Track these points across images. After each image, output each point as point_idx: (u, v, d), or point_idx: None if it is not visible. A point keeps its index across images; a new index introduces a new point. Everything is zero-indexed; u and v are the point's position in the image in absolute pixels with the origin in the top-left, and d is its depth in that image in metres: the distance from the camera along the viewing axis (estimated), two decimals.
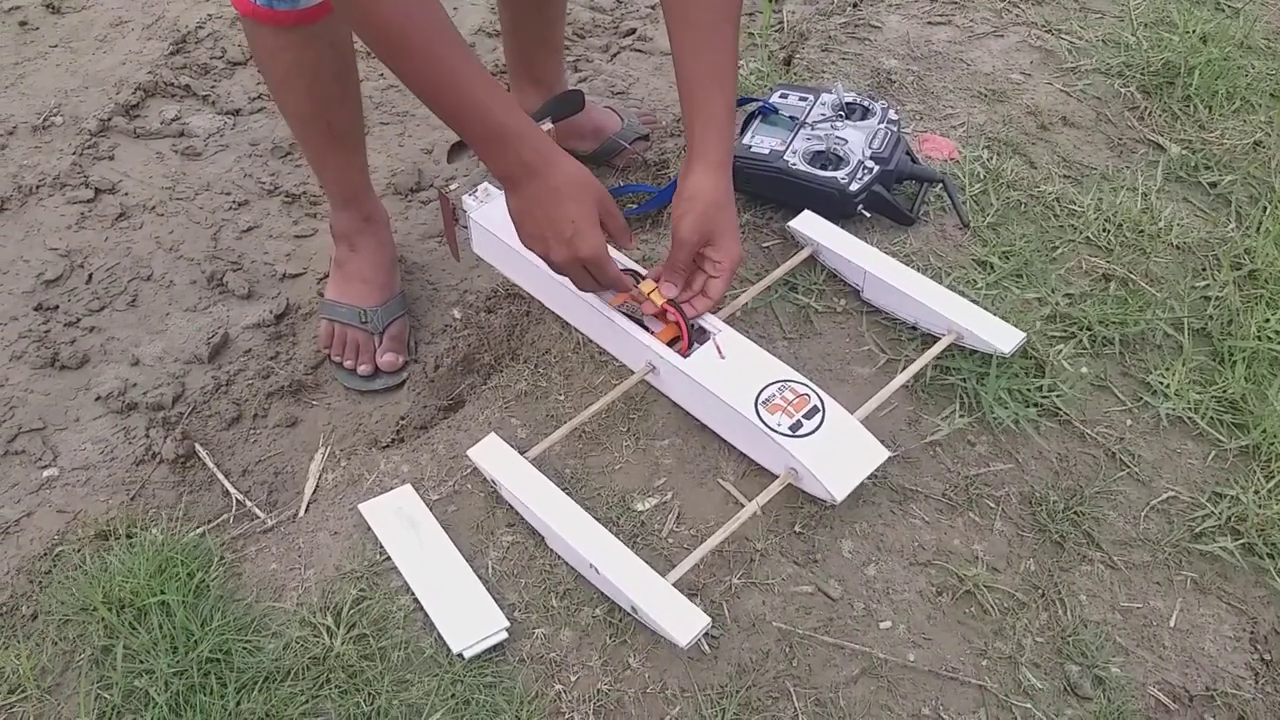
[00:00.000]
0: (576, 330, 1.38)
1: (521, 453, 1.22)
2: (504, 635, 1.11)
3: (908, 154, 1.54)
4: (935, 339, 1.34)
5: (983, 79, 1.82)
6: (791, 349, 1.37)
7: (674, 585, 1.10)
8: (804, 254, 1.44)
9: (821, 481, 1.17)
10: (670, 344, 1.28)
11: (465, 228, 1.44)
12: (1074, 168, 1.68)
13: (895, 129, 1.52)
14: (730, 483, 1.25)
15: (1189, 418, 1.36)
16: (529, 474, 1.19)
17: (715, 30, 1.23)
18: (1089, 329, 1.42)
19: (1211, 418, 1.36)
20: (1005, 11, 1.98)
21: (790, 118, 1.54)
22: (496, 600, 1.13)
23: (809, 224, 1.45)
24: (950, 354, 1.35)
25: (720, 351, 1.26)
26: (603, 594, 1.15)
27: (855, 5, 2.02)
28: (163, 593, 1.12)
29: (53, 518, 1.42)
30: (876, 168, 1.47)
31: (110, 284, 1.74)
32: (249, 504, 1.43)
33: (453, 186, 1.44)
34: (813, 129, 1.52)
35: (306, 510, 1.27)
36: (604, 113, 1.85)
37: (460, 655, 1.09)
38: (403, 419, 1.49)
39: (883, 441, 1.21)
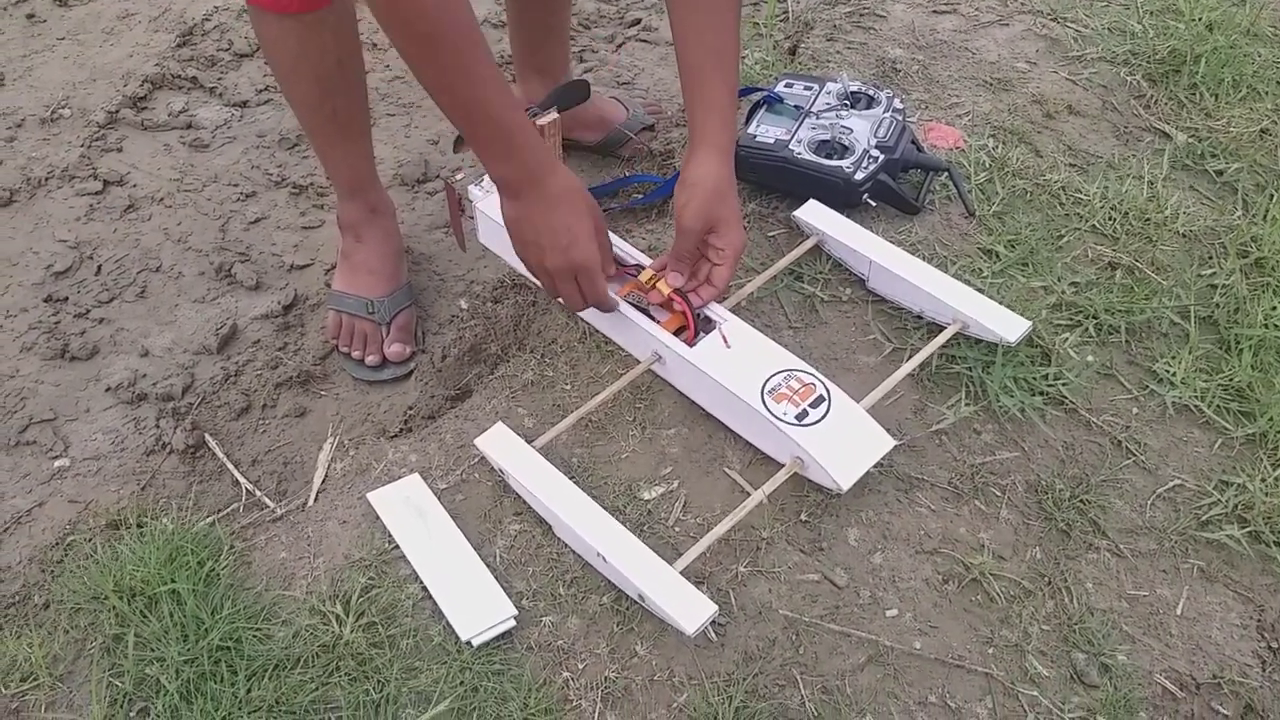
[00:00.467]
0: (582, 320, 1.39)
1: (529, 442, 1.22)
2: (512, 623, 1.11)
3: (913, 143, 1.54)
4: (941, 328, 1.35)
5: (988, 68, 1.82)
6: (797, 338, 1.37)
7: (681, 573, 1.10)
8: (809, 243, 1.44)
9: (827, 470, 1.18)
10: (676, 333, 1.29)
11: (471, 218, 1.45)
12: (1080, 156, 1.68)
13: (900, 118, 1.52)
14: (736, 471, 1.25)
15: (1195, 406, 1.36)
16: (536, 463, 1.19)
17: (717, 15, 1.23)
18: (1095, 317, 1.42)
19: (1218, 406, 1.36)
20: (1011, 0, 1.98)
21: (795, 107, 1.55)
22: (504, 588, 1.14)
23: (814, 213, 1.45)
24: (956, 343, 1.35)
25: (726, 341, 1.26)
26: (610, 582, 1.16)
27: None
28: (173, 581, 1.12)
29: (64, 508, 1.43)
30: (881, 157, 1.47)
31: (119, 275, 1.74)
32: (258, 493, 1.44)
33: (458, 177, 1.44)
34: (818, 118, 1.52)
35: (315, 499, 1.28)
36: (609, 103, 1.85)
37: (468, 643, 1.10)
38: (410, 409, 1.50)
39: (889, 430, 1.21)
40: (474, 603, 1.12)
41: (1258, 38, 1.90)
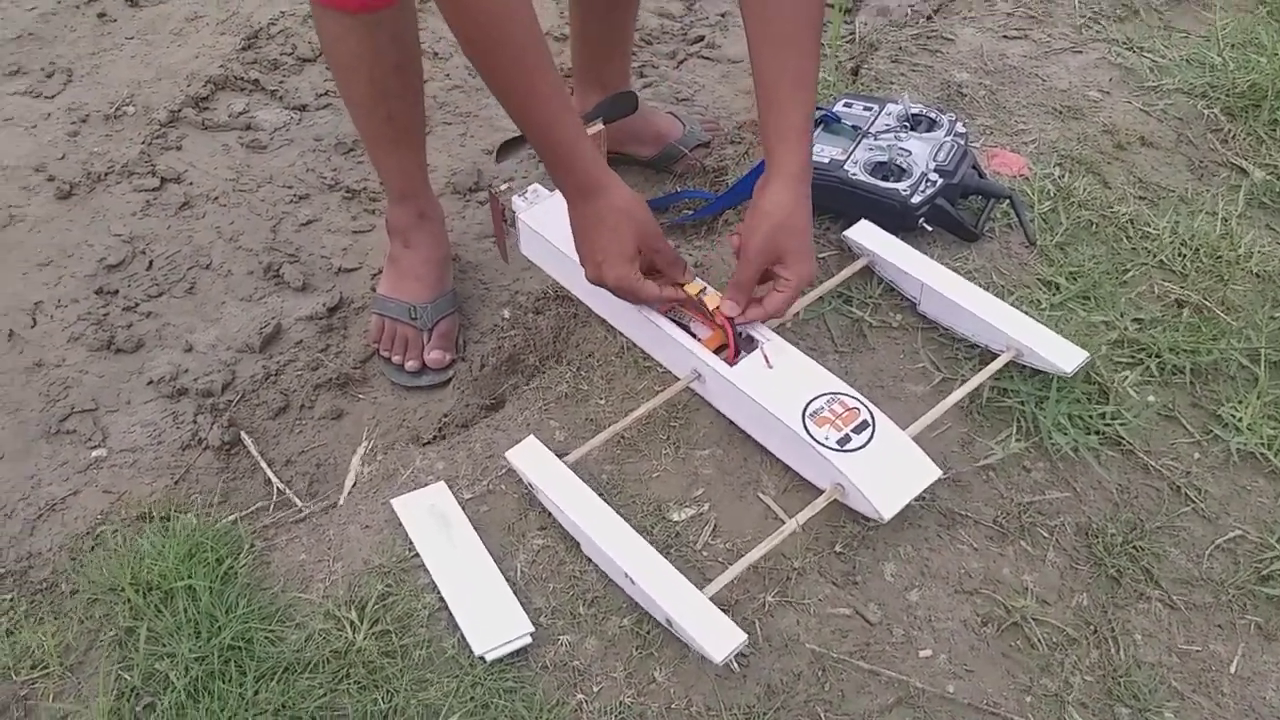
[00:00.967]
0: (621, 335, 1.35)
1: (559, 456, 1.19)
2: (528, 640, 1.08)
3: (974, 168, 1.49)
4: (994, 357, 1.29)
5: (1058, 95, 1.76)
6: (843, 363, 1.33)
7: (710, 600, 1.06)
8: (859, 264, 1.40)
9: (868, 498, 1.13)
10: (717, 351, 1.25)
11: (514, 229, 1.42)
12: (1150, 189, 1.61)
13: (962, 142, 1.48)
14: (770, 497, 1.21)
15: (1261, 454, 1.29)
16: (567, 479, 1.16)
17: (796, 38, 1.19)
18: (1158, 356, 1.36)
19: None
20: (1085, 28, 1.92)
21: (853, 127, 1.50)
22: (523, 604, 1.11)
23: (865, 234, 1.40)
24: (1009, 374, 1.30)
25: (768, 360, 1.22)
26: (631, 604, 1.12)
27: (929, 18, 1.97)
28: (190, 577, 1.11)
29: (98, 498, 1.43)
30: (940, 180, 1.42)
31: (170, 271, 1.75)
32: (289, 493, 1.43)
33: (504, 187, 1.42)
34: (876, 139, 1.48)
35: (341, 503, 1.26)
36: (666, 119, 1.83)
37: (482, 658, 1.07)
38: (445, 416, 1.48)
39: (934, 461, 1.16)
40: (490, 617, 1.09)
41: None
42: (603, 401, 1.30)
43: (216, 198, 1.87)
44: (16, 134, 1.95)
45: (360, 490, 1.26)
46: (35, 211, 1.83)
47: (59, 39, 2.16)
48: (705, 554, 1.16)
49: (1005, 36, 1.88)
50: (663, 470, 1.23)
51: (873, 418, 1.18)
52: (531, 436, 1.20)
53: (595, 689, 1.06)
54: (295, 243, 1.80)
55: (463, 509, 1.19)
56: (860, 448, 1.16)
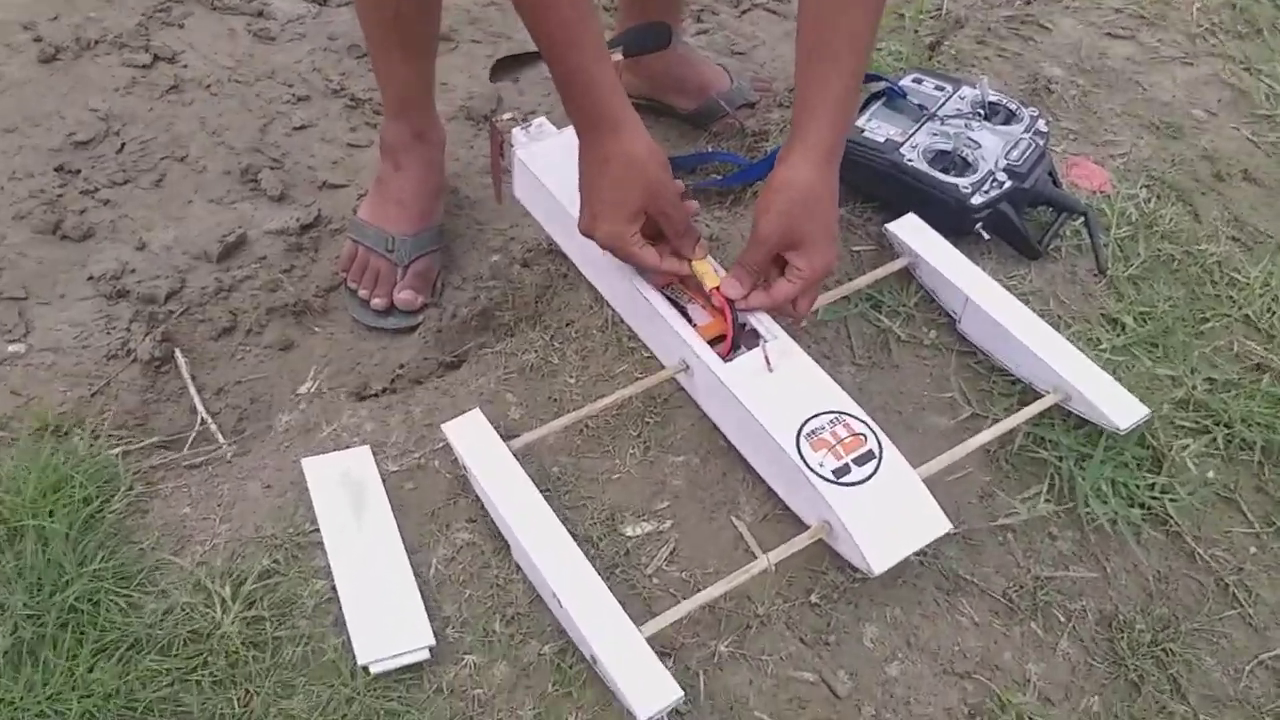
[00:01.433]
0: (609, 306, 1.17)
1: (507, 438, 1.01)
2: (425, 655, 0.90)
3: (1049, 175, 1.28)
4: (1036, 397, 1.10)
5: (1158, 108, 1.54)
6: (858, 378, 1.13)
7: (648, 640, 0.88)
8: (898, 264, 1.20)
9: (859, 545, 0.94)
10: (712, 343, 1.06)
11: (509, 169, 1.24)
12: (1246, 230, 1.40)
13: (1041, 143, 1.27)
14: (745, 524, 1.02)
15: None
16: (507, 467, 0.98)
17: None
18: (1227, 426, 1.15)
19: None
20: (1200, 38, 1.69)
21: (919, 106, 1.30)
22: (429, 609, 0.93)
23: (910, 230, 1.20)
24: (1049, 420, 1.10)
25: (768, 362, 1.03)
26: (558, 628, 0.94)
27: (1028, 0, 1.74)
28: (46, 516, 0.94)
29: (4, 398, 1.27)
30: (1009, 183, 1.22)
31: (141, 158, 1.58)
32: (213, 425, 1.26)
33: (507, 117, 1.23)
34: (942, 124, 1.27)
35: (249, 452, 1.08)
36: (714, 70, 1.62)
37: (365, 669, 0.89)
38: (402, 367, 1.30)
39: (944, 512, 0.97)
40: (386, 620, 0.91)
41: None
42: (572, 380, 1.11)
43: (209, 85, 1.69)
44: None
45: (275, 440, 1.09)
46: (14, 72, 1.66)
47: None
48: (656, 582, 0.98)
49: (1109, 34, 1.66)
50: (625, 473, 1.04)
51: (880, 448, 0.99)
52: (477, 410, 1.01)
53: None
54: (283, 147, 1.62)
55: (383, 483, 1.01)
56: (860, 482, 0.97)
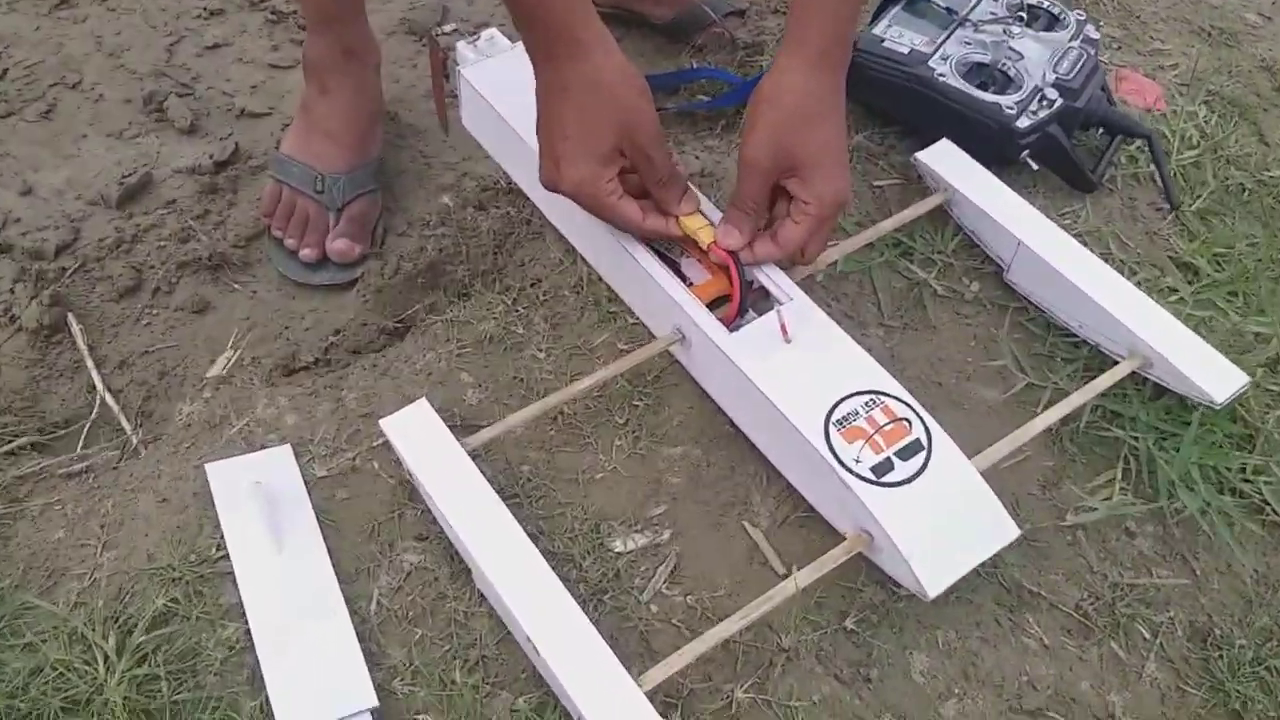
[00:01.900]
0: (584, 260, 0.96)
1: (463, 432, 0.81)
2: (367, 718, 0.71)
3: (1103, 90, 1.08)
4: (1107, 362, 0.91)
5: (1208, 11, 1.34)
6: (888, 343, 0.94)
7: (648, 694, 0.69)
8: (932, 202, 0.99)
9: (909, 562, 0.75)
10: (712, 305, 0.86)
11: (455, 94, 1.02)
12: None
13: (1093, 52, 1.06)
14: (761, 531, 0.83)
15: None
16: (463, 472, 0.78)
17: None
18: None
19: None
20: None
21: (946, 9, 1.09)
22: (372, 656, 0.73)
23: (945, 160, 1.00)
24: (1121, 389, 0.91)
25: (785, 330, 0.83)
26: (537, 675, 0.74)
27: None
28: None
29: None
30: (1060, 101, 1.01)
31: (26, 86, 1.35)
32: (115, 408, 1.05)
33: (450, 29, 1.01)
34: (976, 30, 1.06)
35: (145, 449, 0.88)
36: None
37: None
38: (338, 332, 1.09)
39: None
40: (316, 674, 0.72)
41: None
42: (541, 355, 0.91)
43: None
44: None
45: (175, 437, 0.88)
46: None
47: None
48: (654, 610, 0.78)
49: None
50: (611, 471, 0.84)
51: (929, 437, 0.80)
52: (423, 401, 0.81)
53: None
54: (193, 70, 1.39)
55: (308, 492, 0.80)
56: (905, 481, 0.78)
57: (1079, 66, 1.04)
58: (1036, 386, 0.93)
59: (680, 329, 0.87)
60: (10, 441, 0.93)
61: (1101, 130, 1.09)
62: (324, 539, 0.78)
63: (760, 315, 0.85)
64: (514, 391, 0.88)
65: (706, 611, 0.78)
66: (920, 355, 0.94)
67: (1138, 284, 0.98)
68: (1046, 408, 0.90)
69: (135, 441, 0.99)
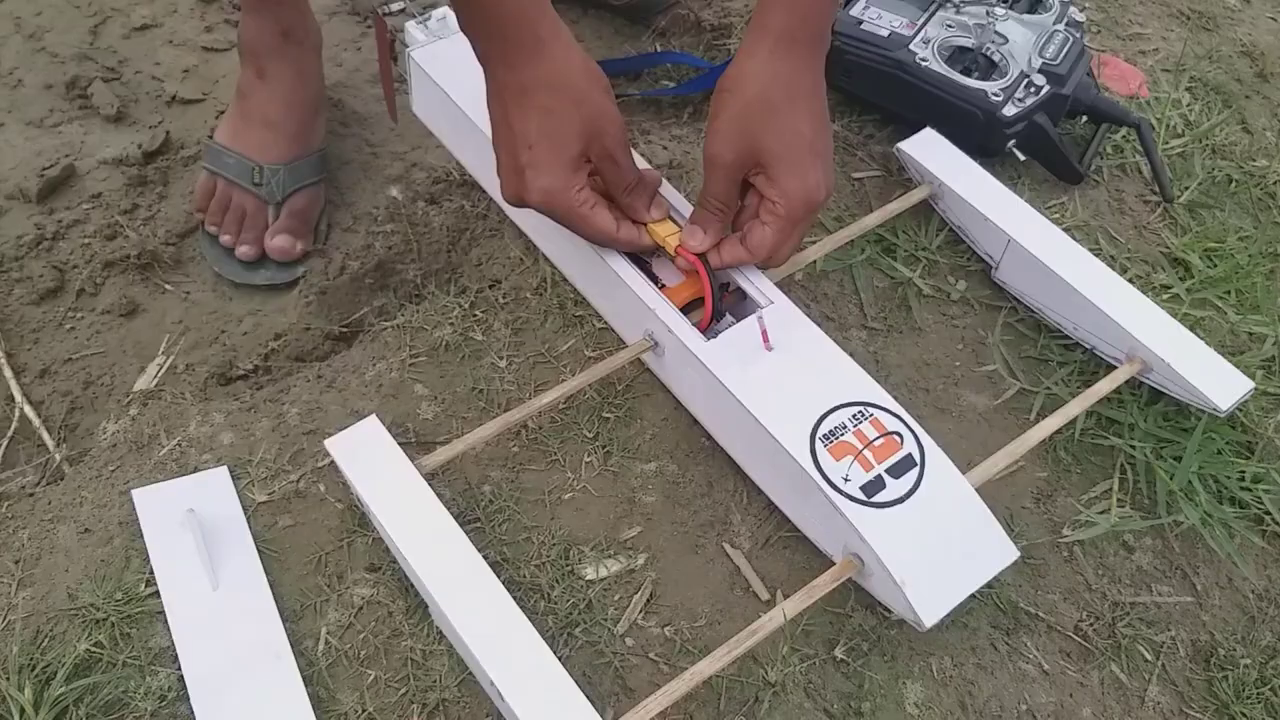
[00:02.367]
0: (546, 259, 0.89)
1: (417, 450, 0.74)
2: None
3: (1089, 76, 1.03)
4: (1101, 365, 0.86)
5: None
6: (871, 346, 0.88)
7: None
8: (916, 195, 0.94)
9: (904, 589, 0.70)
10: (687, 309, 0.80)
11: (403, 77, 0.95)
12: None
13: (1078, 36, 1.01)
14: (743, 553, 0.77)
15: None
16: (417, 496, 0.71)
17: None
18: None
19: None
20: None
21: None
22: (318, 702, 0.66)
23: (930, 150, 0.95)
24: (1117, 395, 0.86)
25: (766, 337, 0.77)
26: (502, 719, 0.68)
27: None
28: None
29: None
30: (1046, 87, 0.96)
31: None
32: (36, 421, 0.97)
33: (397, 8, 0.93)
34: (958, 12, 1.01)
35: (71, 469, 0.80)
36: None
37: None
38: (279, 338, 1.01)
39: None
40: None
41: None
42: (502, 364, 0.84)
43: None
44: None
45: (99, 458, 0.80)
46: None
47: None
48: (629, 644, 0.72)
49: None
50: (581, 490, 0.78)
51: (922, 453, 0.74)
52: (373, 417, 0.74)
53: None
54: (120, 53, 1.30)
55: (247, 520, 0.73)
56: (897, 501, 0.72)
57: (1065, 51, 0.99)
58: (1029, 392, 0.88)
59: (652, 335, 0.80)
60: None
61: (1085, 119, 1.04)
62: (265, 572, 0.71)
63: (739, 320, 0.79)
64: (473, 404, 0.81)
65: (686, 644, 0.72)
66: (905, 359, 0.88)
67: (1129, 280, 0.93)
68: (1039, 414, 0.86)
69: (59, 459, 0.91)
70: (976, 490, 0.75)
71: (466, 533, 0.69)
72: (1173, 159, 1.07)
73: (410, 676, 0.69)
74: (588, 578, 0.74)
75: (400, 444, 0.72)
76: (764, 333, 0.77)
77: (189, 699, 0.66)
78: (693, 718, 0.70)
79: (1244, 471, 0.86)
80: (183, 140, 1.21)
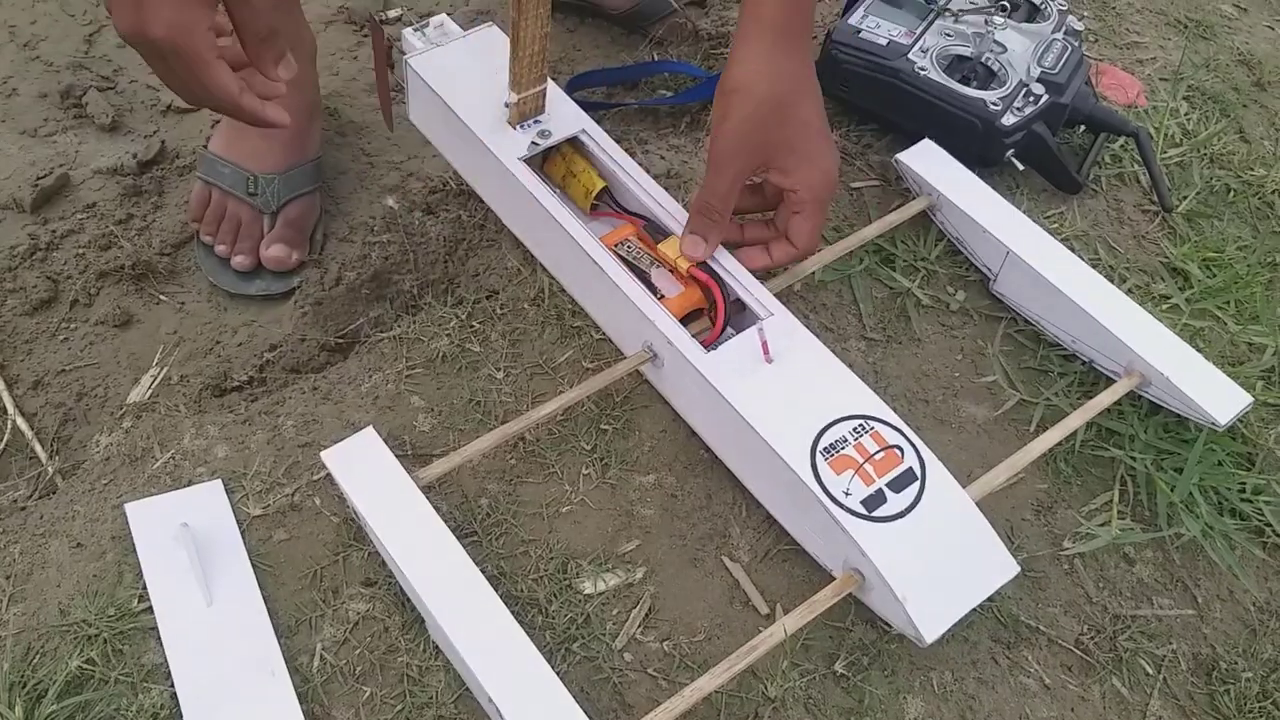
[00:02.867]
0: (544, 270, 0.88)
1: (414, 462, 0.73)
2: None
3: (1087, 86, 1.03)
4: (1101, 376, 0.86)
5: (1184, 3, 1.30)
6: (870, 357, 0.88)
7: None
8: (915, 206, 0.93)
9: (905, 605, 0.69)
10: (686, 320, 0.79)
11: (400, 87, 0.94)
12: None
13: (1076, 44, 1.01)
14: (742, 566, 0.76)
15: None
16: (415, 510, 0.70)
17: None
18: None
19: None
20: None
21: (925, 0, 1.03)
22: (316, 719, 0.66)
23: (929, 161, 0.94)
24: (1118, 407, 0.86)
25: (767, 350, 0.77)
26: None
27: None
28: None
29: None
30: (1045, 96, 0.96)
31: None
32: (29, 433, 0.96)
33: (394, 14, 0.92)
34: (956, 21, 1.01)
35: (62, 484, 0.79)
36: None
37: None
38: (274, 349, 1.00)
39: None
40: None
41: None
42: (500, 375, 0.83)
43: None
44: None
45: (92, 472, 0.79)
46: None
47: None
48: (628, 659, 0.71)
49: None
50: (579, 503, 0.77)
51: (923, 467, 0.74)
52: (369, 429, 0.73)
53: None
54: (115, 62, 1.29)
55: (241, 534, 0.72)
56: (898, 515, 0.72)
57: (1064, 60, 0.99)
58: (1028, 403, 0.87)
59: (651, 346, 0.80)
60: None
61: (1084, 128, 1.04)
62: (260, 587, 0.70)
63: (739, 332, 0.78)
64: (470, 416, 0.81)
65: (685, 659, 0.72)
66: (904, 370, 0.88)
67: (1128, 291, 0.93)
68: (1039, 426, 0.85)
69: (51, 472, 0.90)
70: (977, 504, 0.74)
71: (464, 546, 0.68)
72: (1171, 168, 1.07)
73: (407, 693, 0.69)
74: (586, 592, 0.74)
75: (397, 456, 0.72)
76: (764, 344, 0.77)
77: (182, 717, 0.65)
78: None
79: (1245, 483, 0.86)
80: (178, 150, 1.20)
